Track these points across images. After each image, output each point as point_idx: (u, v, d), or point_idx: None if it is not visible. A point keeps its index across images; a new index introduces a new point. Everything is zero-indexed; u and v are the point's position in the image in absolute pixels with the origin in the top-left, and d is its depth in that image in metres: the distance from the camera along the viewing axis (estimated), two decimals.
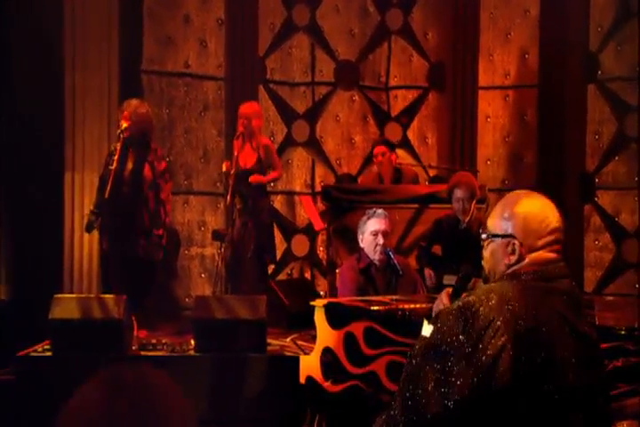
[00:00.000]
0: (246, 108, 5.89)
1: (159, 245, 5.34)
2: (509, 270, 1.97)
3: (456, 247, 4.95)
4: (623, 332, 2.93)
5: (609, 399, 2.06)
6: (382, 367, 3.18)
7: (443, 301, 2.17)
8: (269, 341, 4.78)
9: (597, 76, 7.06)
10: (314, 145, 7.33)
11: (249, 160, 5.83)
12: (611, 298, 6.30)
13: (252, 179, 5.73)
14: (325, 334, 3.42)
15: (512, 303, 1.86)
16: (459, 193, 4.87)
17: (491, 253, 2.03)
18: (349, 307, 3.45)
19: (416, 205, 5.59)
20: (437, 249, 5.09)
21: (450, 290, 2.18)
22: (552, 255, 1.94)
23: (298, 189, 7.29)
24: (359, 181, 7.24)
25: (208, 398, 4.33)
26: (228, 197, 5.52)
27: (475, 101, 7.20)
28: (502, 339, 1.81)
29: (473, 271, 2.15)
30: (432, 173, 6.52)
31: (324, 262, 7.03)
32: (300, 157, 7.33)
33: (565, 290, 1.94)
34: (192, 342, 4.50)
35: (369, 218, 4.11)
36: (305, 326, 5.60)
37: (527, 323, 1.84)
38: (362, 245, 4.15)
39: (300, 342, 4.85)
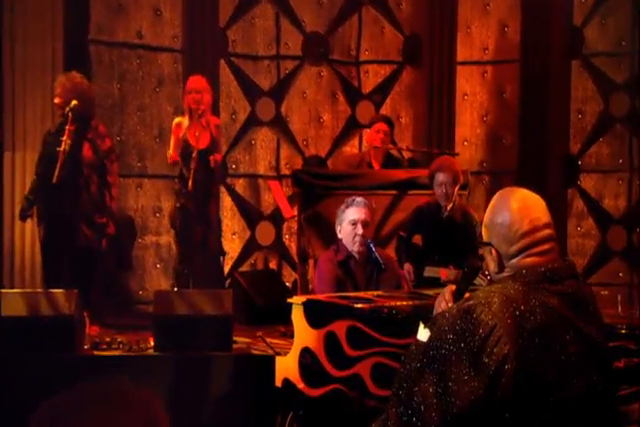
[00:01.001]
0: (197, 82, 5.81)
1: (102, 233, 5.24)
2: (506, 274, 1.98)
3: (438, 237, 4.95)
4: (624, 331, 2.95)
5: (616, 406, 2.06)
6: (367, 370, 3.16)
7: (445, 298, 2.14)
8: (235, 338, 4.74)
9: (582, 51, 7.10)
10: (279, 124, 7.27)
11: (202, 140, 5.76)
12: (595, 288, 6.40)
13: (212, 158, 5.66)
14: (304, 334, 3.39)
15: (515, 308, 1.86)
16: (441, 177, 4.86)
17: (484, 259, 2.07)
18: (330, 304, 3.43)
19: (394, 192, 5.57)
20: (418, 239, 5.07)
21: (453, 287, 2.15)
22: (532, 260, 1.94)
23: (262, 171, 7.24)
24: (330, 164, 7.20)
25: (169, 401, 4.23)
26: (190, 183, 5.44)
27: (452, 77, 7.20)
28: (506, 348, 1.81)
29: (479, 265, 2.12)
30: (407, 155, 6.50)
31: (292, 252, 7.01)
32: (264, 138, 7.26)
33: (570, 292, 1.94)
34: (151, 340, 4.48)
35: (347, 206, 4.09)
36: (272, 320, 5.66)
37: (530, 329, 1.84)
38: (340, 235, 4.12)
39: (269, 340, 4.85)
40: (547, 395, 1.83)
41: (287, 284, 6.51)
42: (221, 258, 6.01)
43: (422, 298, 3.54)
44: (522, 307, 1.87)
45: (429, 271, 4.83)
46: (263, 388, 4.40)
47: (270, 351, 4.61)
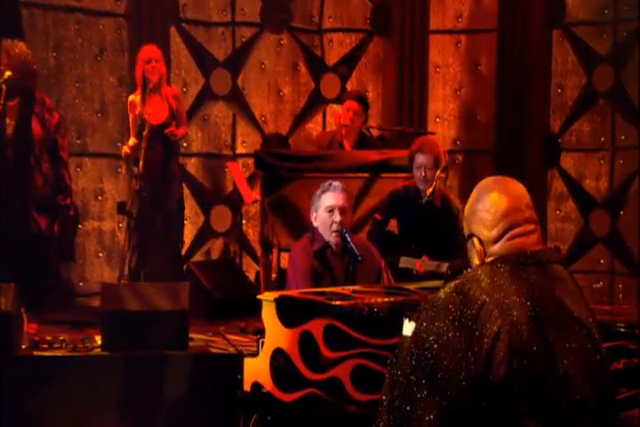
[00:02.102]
0: (153, 52, 5.79)
1: (65, 217, 5.16)
2: (493, 257, 2.01)
3: (415, 224, 4.96)
4: (623, 329, 2.98)
5: (617, 404, 2.10)
6: (347, 373, 3.14)
7: None
8: (191, 335, 4.71)
9: (563, 20, 7.14)
10: (235, 98, 7.23)
11: (160, 114, 5.72)
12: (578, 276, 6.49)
13: (168, 131, 5.60)
14: (276, 334, 3.36)
15: (505, 286, 1.91)
16: (420, 159, 4.86)
17: (468, 253, 2.12)
18: (306, 301, 3.40)
19: (366, 175, 5.57)
20: (393, 226, 5.07)
21: None
22: (515, 242, 1.99)
23: (216, 150, 7.19)
24: (292, 142, 7.18)
25: (119, 406, 4.29)
26: (141, 164, 5.36)
27: (425, 48, 7.21)
28: (497, 323, 1.85)
29: (463, 266, 2.14)
30: (375, 133, 6.50)
31: (251, 240, 6.97)
32: (219, 113, 7.21)
33: (561, 277, 1.99)
34: (98, 338, 4.45)
35: (324, 192, 4.07)
36: (231, 315, 5.66)
37: (523, 308, 1.88)
38: (315, 223, 4.10)
39: (230, 337, 4.84)
40: (539, 377, 1.86)
41: (248, 275, 6.50)
42: (180, 248, 5.96)
43: (405, 294, 3.54)
44: (510, 285, 1.92)
45: (405, 262, 4.83)
46: (224, 390, 4.40)
47: (232, 349, 4.61)
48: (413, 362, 1.89)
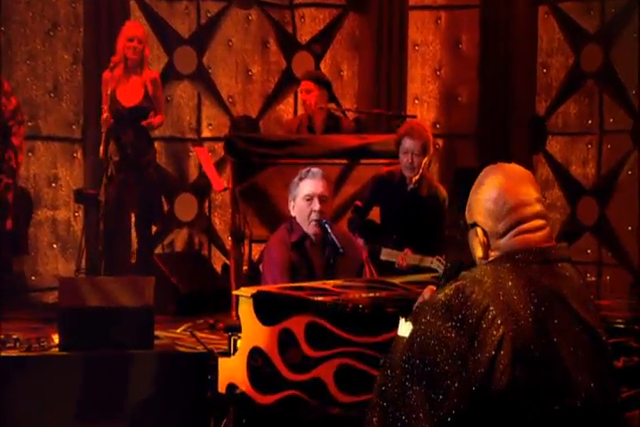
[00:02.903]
0: (137, 30, 5.83)
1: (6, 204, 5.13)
2: (498, 252, 2.02)
3: (399, 213, 4.96)
4: (621, 325, 3.01)
5: (620, 404, 2.13)
6: (330, 373, 3.13)
7: (425, 298, 2.17)
8: (156, 333, 4.73)
9: None
10: (201, 78, 7.20)
11: (133, 96, 5.73)
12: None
13: (146, 123, 5.57)
14: (254, 332, 3.35)
15: (509, 287, 1.91)
16: (408, 143, 4.86)
17: (470, 244, 2.11)
18: (286, 297, 3.39)
19: (344, 161, 5.57)
20: (375, 215, 5.08)
21: (434, 288, 2.17)
22: (522, 238, 2.00)
23: (179, 134, 7.16)
24: (263, 126, 7.16)
25: (78, 409, 4.28)
26: (101, 148, 5.33)
27: (403, 25, 7.21)
28: (500, 330, 1.86)
29: (462, 259, 2.14)
30: (351, 116, 6.50)
31: (218, 229, 6.95)
32: (183, 94, 7.19)
33: (568, 275, 2.00)
34: (55, 337, 4.44)
35: (301, 179, 4.05)
36: (198, 311, 5.66)
37: (526, 312, 1.89)
38: (293, 213, 4.08)
39: (198, 334, 4.84)
40: (543, 386, 1.88)
41: (216, 268, 6.50)
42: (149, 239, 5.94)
43: (391, 289, 3.55)
44: (515, 287, 1.92)
45: (386, 254, 4.85)
46: (193, 391, 4.40)
47: (201, 348, 4.61)
48: (409, 366, 1.89)
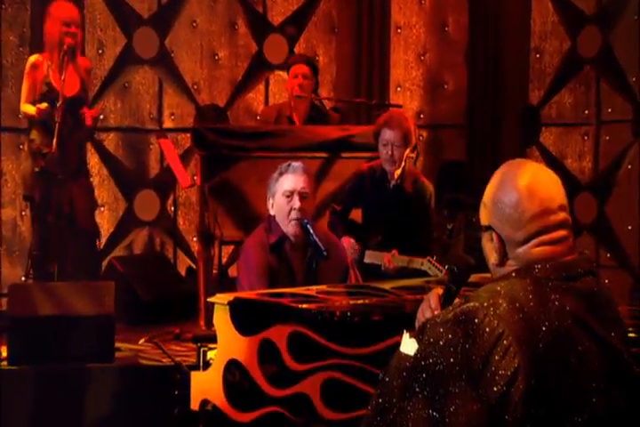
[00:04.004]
0: (72, 12, 5.76)
1: None
2: (510, 267, 2.01)
3: (383, 212, 4.96)
4: (632, 334, 3.03)
5: None
6: (316, 388, 3.13)
7: (431, 305, 2.15)
8: (117, 344, 4.75)
9: None
10: (162, 62, 7.17)
11: (72, 85, 5.69)
12: None
13: (90, 114, 5.56)
14: (231, 343, 3.33)
15: (525, 311, 1.89)
16: (387, 134, 4.86)
17: (483, 248, 2.09)
18: (267, 305, 3.39)
19: (324, 154, 5.56)
20: (357, 215, 5.08)
21: (440, 291, 2.16)
22: (543, 250, 1.99)
23: (139, 124, 7.14)
24: (231, 116, 7.11)
25: None
26: (55, 141, 5.30)
27: (385, 6, 7.19)
28: (515, 361, 1.84)
29: (471, 262, 2.13)
30: (328, 105, 6.50)
31: (182, 229, 6.93)
32: (142, 80, 7.17)
33: (589, 291, 1.99)
34: (4, 349, 4.45)
35: (281, 174, 4.04)
36: (162, 319, 5.64)
37: (544, 339, 1.88)
38: (272, 211, 4.07)
39: (163, 345, 4.83)
40: (562, 418, 1.88)
41: (180, 272, 6.48)
42: (97, 240, 5.91)
43: (380, 295, 3.55)
44: (533, 310, 1.90)
45: (371, 257, 4.85)
46: (159, 408, 4.39)
47: (167, 360, 4.61)
48: (412, 389, 1.87)
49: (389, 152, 4.88)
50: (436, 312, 2.10)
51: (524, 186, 1.99)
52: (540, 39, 7.32)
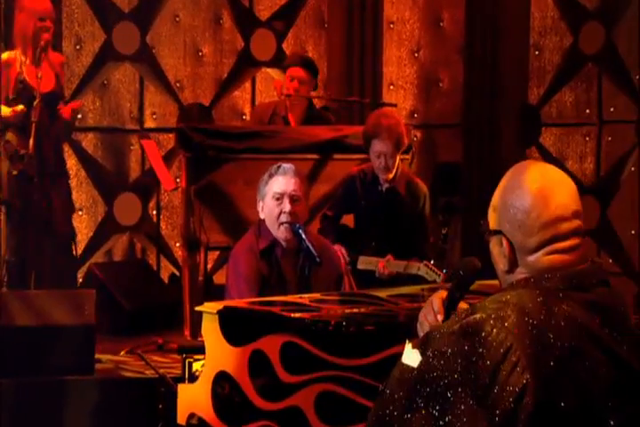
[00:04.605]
0: (45, 4, 5.73)
1: None
2: (520, 275, 2.01)
3: (376, 216, 4.98)
4: None
5: None
6: (310, 401, 3.15)
7: (435, 309, 2.14)
8: (97, 356, 4.75)
9: None
10: (144, 59, 7.16)
11: (48, 81, 5.68)
12: None
13: (71, 106, 5.53)
14: (220, 354, 3.35)
15: (535, 324, 1.89)
16: (378, 146, 4.86)
17: (490, 254, 2.08)
18: (258, 314, 3.40)
19: (315, 156, 5.56)
20: (349, 220, 5.09)
21: (444, 294, 2.15)
22: (554, 259, 1.99)
23: (119, 124, 7.13)
24: (217, 115, 7.12)
25: None
26: (31, 142, 5.29)
27: (377, 0, 7.18)
28: (524, 376, 1.84)
29: (477, 266, 2.13)
30: (318, 103, 6.50)
31: (165, 235, 6.92)
32: (122, 77, 7.16)
33: (601, 303, 1.99)
34: None
35: (271, 176, 4.06)
36: (145, 329, 5.64)
37: (555, 353, 1.87)
38: (262, 215, 4.09)
39: (148, 357, 4.83)
40: None
41: (163, 279, 6.48)
42: (73, 244, 5.90)
43: (377, 303, 3.56)
44: (543, 323, 1.90)
45: (364, 263, 4.86)
46: (141, 422, 4.40)
47: (150, 373, 4.61)
48: (414, 402, 1.87)
49: (383, 163, 4.89)
50: (439, 316, 2.09)
51: (537, 190, 1.99)
52: (539, 35, 7.35)
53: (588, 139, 7.36)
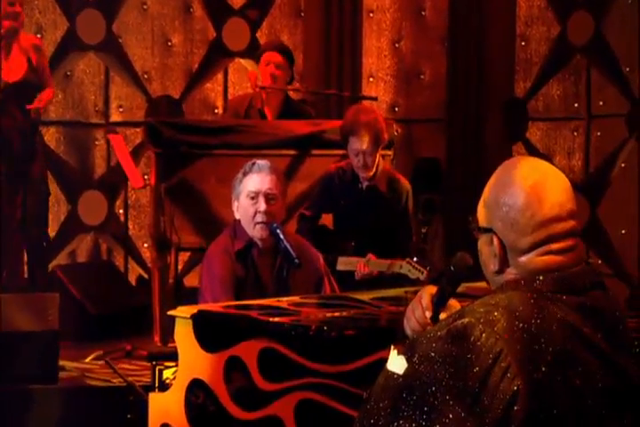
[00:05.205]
0: None
1: None
2: (511, 276, 2.01)
3: (355, 215, 4.98)
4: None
5: None
6: (289, 410, 3.14)
7: (423, 305, 2.14)
8: (61, 363, 4.75)
9: None
10: (109, 49, 7.17)
11: (16, 69, 5.71)
12: None
13: (33, 107, 5.53)
14: (194, 361, 3.34)
15: (526, 328, 1.89)
16: (356, 144, 4.85)
17: (479, 253, 2.08)
18: (234, 318, 3.39)
19: (292, 152, 5.55)
20: (327, 219, 5.10)
21: (433, 290, 2.15)
22: (548, 260, 1.99)
23: (82, 118, 7.13)
24: (187, 109, 7.12)
25: None
26: None
27: None
28: (515, 383, 1.84)
29: (470, 262, 2.13)
30: (295, 96, 6.50)
31: (132, 235, 6.90)
32: (87, 68, 7.17)
33: (596, 306, 2.00)
34: None
35: (245, 174, 4.04)
36: (111, 335, 5.62)
37: (547, 358, 1.88)
38: (237, 215, 4.08)
39: (115, 364, 4.81)
40: None
41: (131, 281, 6.47)
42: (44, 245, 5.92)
43: (359, 306, 3.56)
44: (535, 327, 1.90)
45: (344, 264, 4.86)
46: None
47: (118, 381, 4.60)
48: (400, 411, 1.87)
49: (361, 161, 4.89)
50: (427, 313, 2.08)
51: (531, 187, 1.99)
52: (525, 25, 7.38)
53: (576, 134, 7.40)
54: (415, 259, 4.69)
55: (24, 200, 5.72)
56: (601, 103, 7.30)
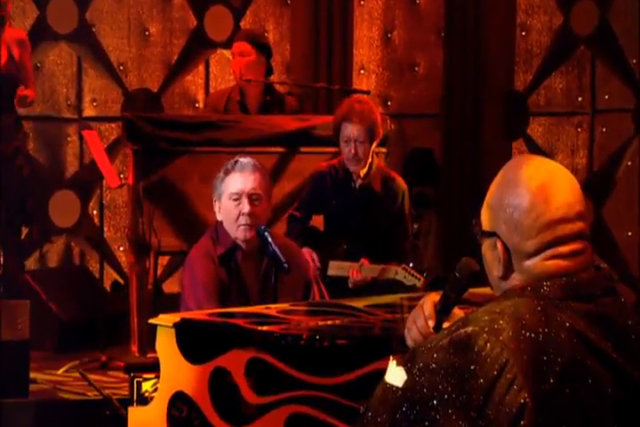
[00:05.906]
0: None
1: None
2: (516, 282, 2.02)
3: (348, 217, 5.00)
4: None
5: None
6: (279, 424, 3.12)
7: (425, 313, 2.15)
8: (32, 375, 4.76)
9: None
10: (82, 38, 7.17)
11: None
12: None
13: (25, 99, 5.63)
14: (177, 372, 3.33)
15: (533, 337, 1.90)
16: (348, 130, 4.88)
17: (483, 258, 2.10)
18: (219, 327, 3.39)
19: (280, 149, 5.57)
20: (318, 221, 5.10)
21: (436, 297, 2.16)
22: (555, 265, 2.00)
23: (54, 112, 7.14)
24: (166, 103, 7.12)
25: None
26: None
27: None
28: (521, 395, 1.85)
29: (476, 267, 2.13)
30: (282, 89, 6.51)
31: (107, 237, 6.90)
32: (58, 59, 7.16)
33: (607, 314, 2.01)
34: None
35: (227, 172, 4.03)
36: (86, 344, 5.62)
37: (555, 369, 1.88)
38: (219, 216, 4.08)
39: (91, 376, 4.83)
40: None
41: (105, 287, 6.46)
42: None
43: (352, 314, 3.56)
44: (543, 336, 1.91)
45: (336, 268, 4.88)
46: None
47: (93, 394, 4.61)
48: (405, 426, 1.88)
49: (352, 150, 4.91)
50: (429, 322, 2.10)
51: (537, 188, 2.00)
52: (526, 14, 7.41)
53: (580, 130, 7.43)
54: (411, 264, 4.70)
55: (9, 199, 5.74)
56: (606, 97, 7.34)
